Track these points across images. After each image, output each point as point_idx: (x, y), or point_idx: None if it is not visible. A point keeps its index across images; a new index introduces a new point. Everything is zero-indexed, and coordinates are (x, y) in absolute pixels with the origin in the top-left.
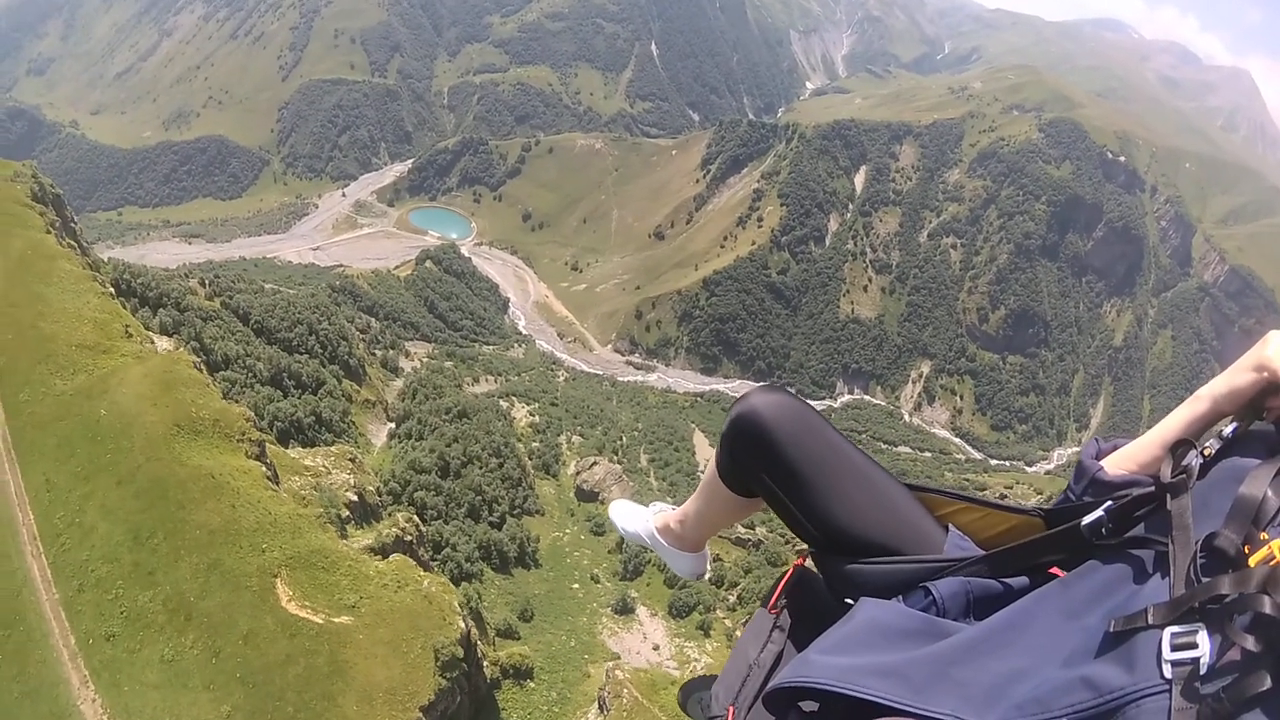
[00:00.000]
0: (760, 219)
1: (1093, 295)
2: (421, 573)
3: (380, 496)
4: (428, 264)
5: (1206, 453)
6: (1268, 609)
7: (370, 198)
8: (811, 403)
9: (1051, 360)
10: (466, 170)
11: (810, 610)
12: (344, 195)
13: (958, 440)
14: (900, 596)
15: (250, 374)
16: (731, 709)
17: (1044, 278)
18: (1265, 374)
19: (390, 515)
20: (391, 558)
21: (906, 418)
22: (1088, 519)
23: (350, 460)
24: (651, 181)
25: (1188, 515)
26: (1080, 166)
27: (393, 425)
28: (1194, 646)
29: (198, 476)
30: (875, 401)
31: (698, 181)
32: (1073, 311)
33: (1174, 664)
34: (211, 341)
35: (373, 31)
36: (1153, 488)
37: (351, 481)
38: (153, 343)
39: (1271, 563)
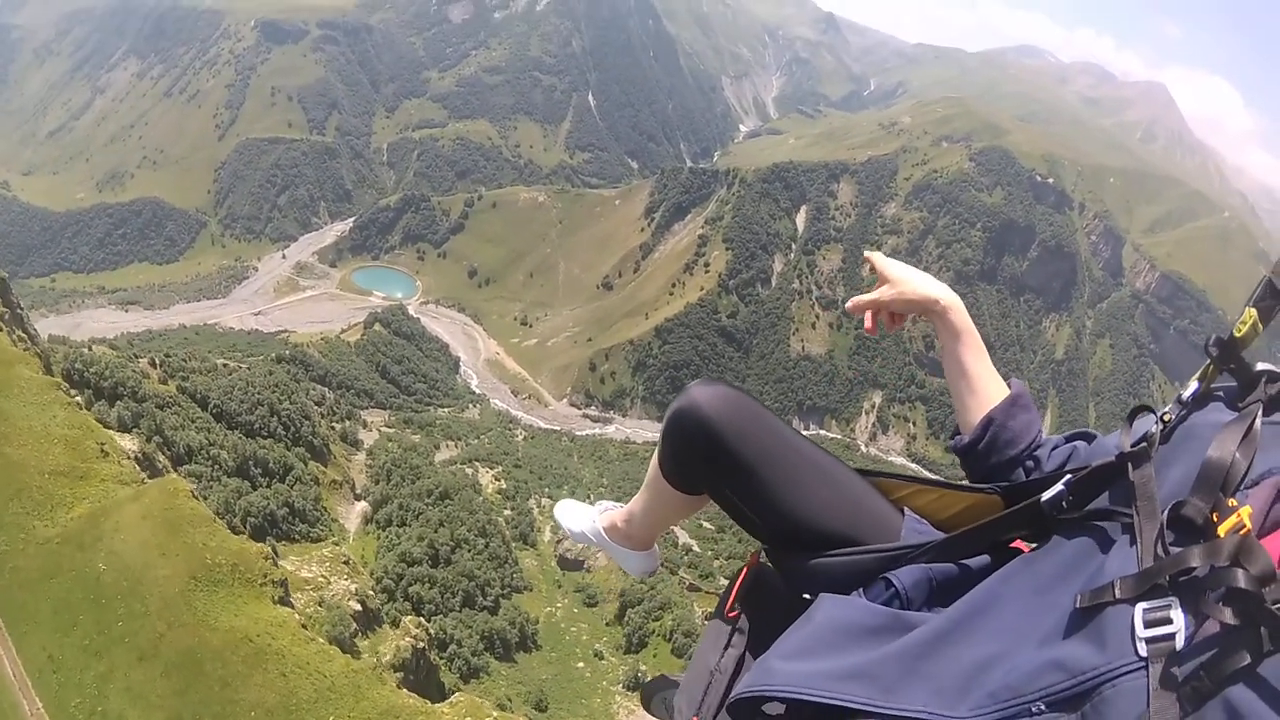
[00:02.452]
0: (707, 264)
1: (1032, 313)
2: (491, 709)
3: (375, 594)
4: (376, 327)
5: (1166, 418)
6: (1241, 583)
7: (312, 259)
8: None
9: None
10: (409, 228)
11: (769, 609)
12: (284, 257)
13: (914, 466)
14: (861, 589)
15: (215, 465)
16: (695, 719)
17: (984, 300)
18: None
19: (396, 622)
20: (454, 699)
21: (863, 449)
22: (1048, 494)
23: (345, 563)
24: (596, 232)
25: (1151, 484)
26: (1011, 191)
27: (364, 505)
28: (1168, 622)
29: (234, 642)
30: (831, 435)
31: (643, 230)
32: (1014, 330)
33: (1149, 641)
34: (173, 432)
35: (310, 89)
36: (1114, 457)
37: (352, 589)
38: (130, 459)
39: (1242, 531)
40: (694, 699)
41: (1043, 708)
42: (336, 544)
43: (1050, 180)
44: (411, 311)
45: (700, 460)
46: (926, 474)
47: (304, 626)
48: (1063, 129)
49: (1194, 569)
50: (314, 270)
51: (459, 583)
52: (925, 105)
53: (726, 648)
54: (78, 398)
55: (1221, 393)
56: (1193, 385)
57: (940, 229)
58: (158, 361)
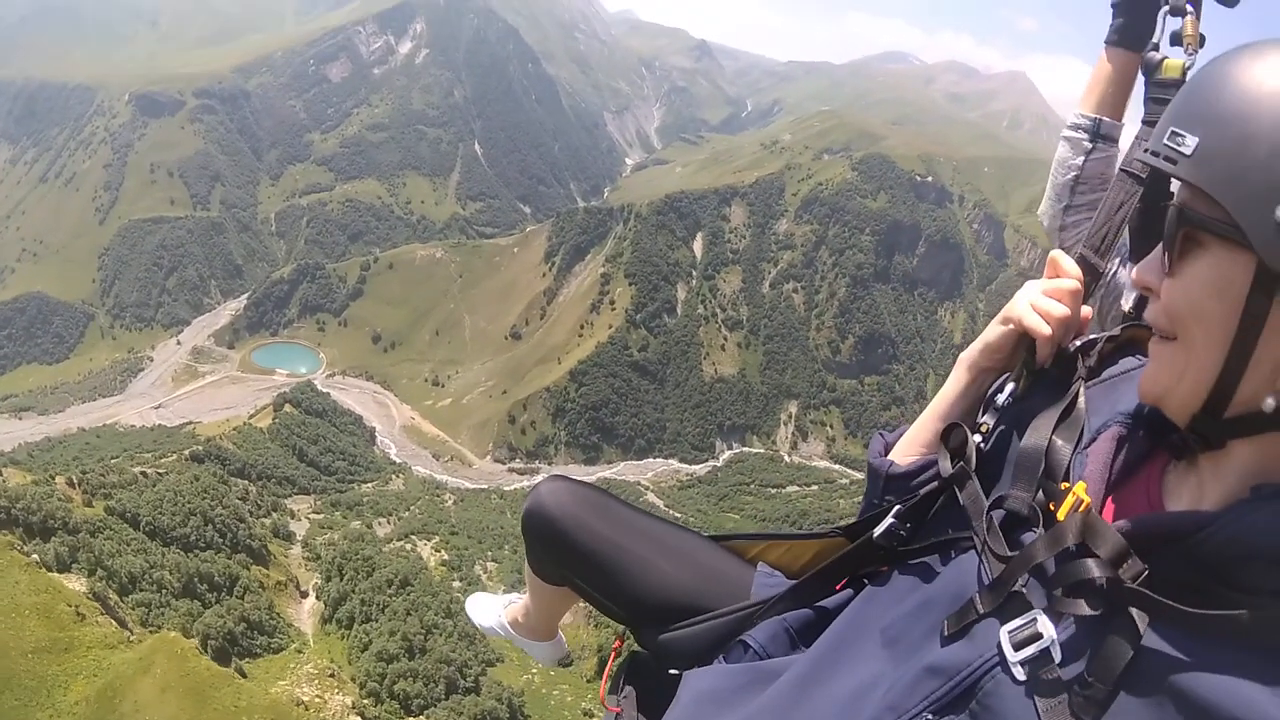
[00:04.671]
0: (612, 302)
1: (927, 305)
2: None
3: (365, 701)
4: (287, 408)
5: (983, 429)
6: (1095, 571)
7: (208, 342)
8: (695, 467)
9: (903, 372)
10: (306, 298)
11: (649, 690)
12: (179, 343)
13: (838, 467)
14: (721, 657)
15: (161, 589)
16: None
17: (881, 300)
18: (1011, 325)
19: None
20: None
21: (787, 459)
22: (879, 529)
23: (330, 676)
24: (498, 282)
25: (981, 501)
26: (894, 194)
27: (312, 602)
28: (1038, 637)
29: None
30: (755, 451)
31: (544, 275)
32: (913, 324)
33: (1023, 664)
34: (111, 560)
35: (190, 162)
36: (936, 482)
37: (348, 702)
38: (105, 615)
39: (1080, 508)
40: None
41: (930, 717)
42: (299, 651)
43: (929, 179)
44: (319, 386)
45: (550, 554)
46: (778, 530)
47: None
48: (935, 127)
49: (1040, 562)
50: (211, 354)
51: (439, 670)
52: (802, 121)
53: None
54: (14, 541)
55: (1038, 390)
56: (1008, 387)
57: (831, 238)
58: (75, 481)
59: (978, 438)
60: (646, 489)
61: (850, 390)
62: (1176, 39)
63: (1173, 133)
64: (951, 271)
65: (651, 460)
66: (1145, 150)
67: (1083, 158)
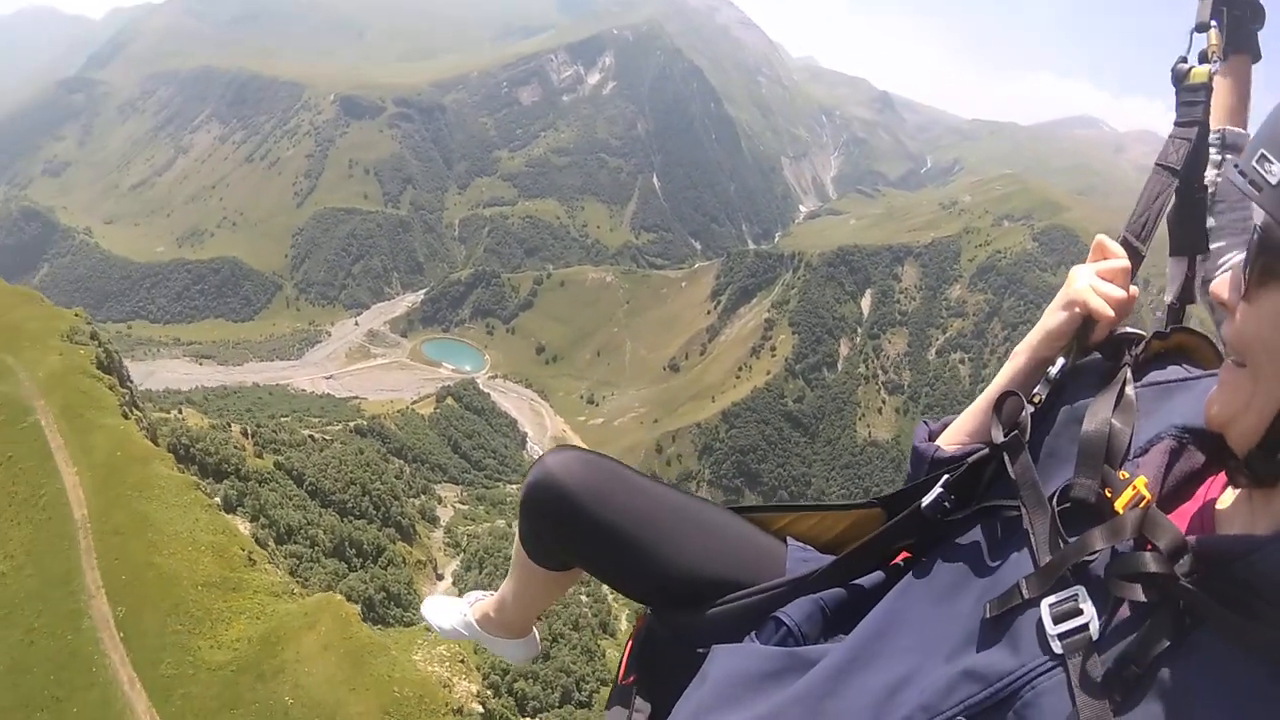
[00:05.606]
0: (773, 348)
1: None
2: None
3: (487, 693)
4: (449, 401)
5: (1036, 400)
6: (1152, 564)
7: (383, 327)
8: None
9: None
10: (479, 302)
11: (668, 672)
12: (357, 324)
13: None
14: (753, 634)
15: (314, 545)
16: None
17: None
18: (1077, 308)
19: None
20: None
21: None
22: (927, 499)
23: (461, 662)
24: (663, 314)
25: (1032, 472)
26: None
27: (446, 586)
28: (1078, 614)
29: None
30: None
31: (709, 313)
32: None
33: (1061, 637)
34: (274, 510)
35: (385, 163)
36: (986, 450)
37: (474, 691)
38: (271, 564)
39: (1141, 504)
40: None
41: None
42: (428, 629)
43: None
44: (481, 385)
45: (563, 531)
46: (808, 501)
47: None
48: (1120, 200)
49: (1098, 553)
50: (385, 339)
51: (558, 679)
52: (984, 183)
53: (630, 717)
54: (197, 481)
55: (1090, 370)
56: (1059, 362)
57: (1006, 310)
58: (249, 432)
59: (1031, 409)
60: None
61: None
62: (1204, 57)
63: (1261, 155)
64: None
65: None
66: (1235, 168)
67: (1214, 170)
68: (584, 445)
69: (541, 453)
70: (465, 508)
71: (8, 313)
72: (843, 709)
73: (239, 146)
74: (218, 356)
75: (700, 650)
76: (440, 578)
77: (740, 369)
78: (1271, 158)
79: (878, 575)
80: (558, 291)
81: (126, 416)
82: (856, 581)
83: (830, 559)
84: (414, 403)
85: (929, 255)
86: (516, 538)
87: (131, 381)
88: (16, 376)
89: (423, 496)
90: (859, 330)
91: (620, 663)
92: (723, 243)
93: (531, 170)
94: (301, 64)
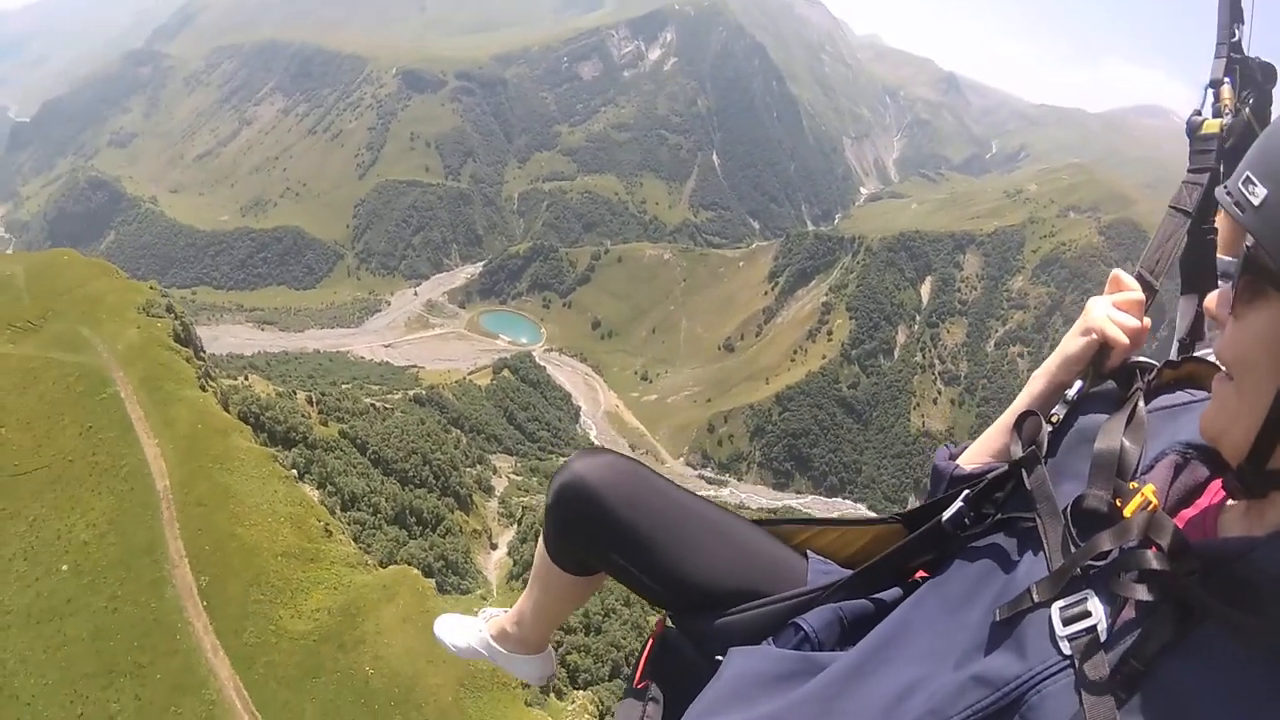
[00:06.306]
0: (830, 332)
1: None
2: None
3: None
4: (505, 373)
5: (1054, 419)
6: (1154, 562)
7: (442, 298)
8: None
9: None
10: (537, 276)
11: (683, 677)
12: (416, 294)
13: None
14: (770, 639)
15: (376, 513)
16: None
17: None
18: (1094, 335)
19: (559, 693)
20: None
21: None
22: (948, 513)
23: None
24: (720, 293)
25: (1047, 485)
26: None
27: (499, 555)
28: (1087, 615)
29: None
30: None
31: (766, 294)
32: None
33: (1070, 638)
34: (339, 478)
35: (447, 137)
36: (1005, 466)
37: None
38: (354, 544)
39: (1149, 508)
40: None
41: None
42: (483, 598)
43: None
44: (537, 358)
45: (592, 533)
46: (823, 515)
47: None
48: None
49: (1106, 554)
50: (444, 309)
51: (609, 653)
52: (1051, 173)
53: (642, 717)
54: (274, 454)
55: (1103, 395)
56: (1077, 384)
57: (1069, 305)
58: (314, 400)
59: (1049, 427)
60: None
61: None
62: (1217, 111)
63: (1246, 178)
64: None
65: (841, 500)
66: (1221, 188)
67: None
68: (637, 420)
69: (592, 428)
70: (519, 478)
71: (84, 284)
72: (852, 710)
73: (302, 119)
74: (279, 323)
75: (718, 658)
76: (494, 547)
77: (795, 352)
78: (1255, 180)
79: (896, 590)
80: (615, 267)
81: (204, 389)
82: (876, 595)
83: (850, 572)
84: (471, 373)
85: (992, 244)
86: (540, 545)
87: (205, 353)
88: (95, 348)
89: (479, 466)
90: (917, 318)
91: (636, 665)
92: (781, 223)
93: (591, 145)
94: (364, 37)
